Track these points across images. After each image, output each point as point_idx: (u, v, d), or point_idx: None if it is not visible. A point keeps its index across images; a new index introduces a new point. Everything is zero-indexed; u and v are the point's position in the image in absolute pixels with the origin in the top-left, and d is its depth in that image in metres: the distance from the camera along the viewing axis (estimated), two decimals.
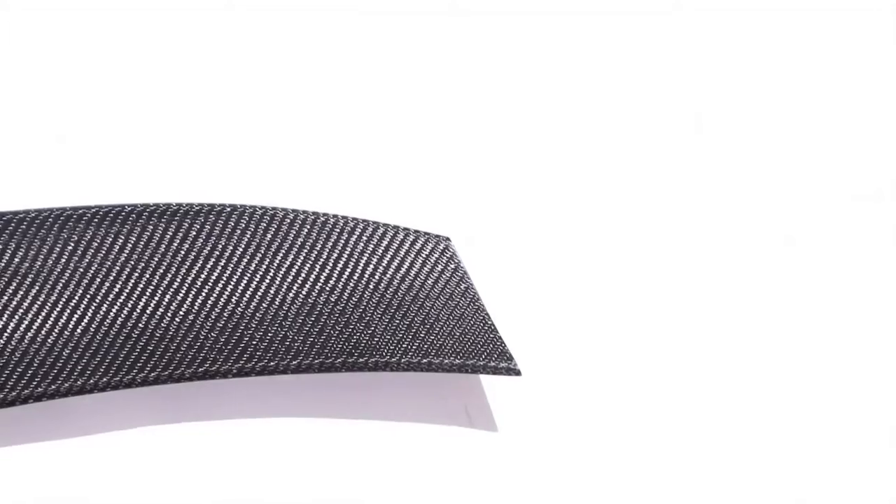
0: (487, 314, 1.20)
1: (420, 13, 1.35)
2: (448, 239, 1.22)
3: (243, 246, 1.17)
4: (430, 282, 1.20)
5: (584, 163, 1.34)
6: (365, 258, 1.19)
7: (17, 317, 1.11)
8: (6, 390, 1.10)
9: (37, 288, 1.12)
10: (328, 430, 1.20)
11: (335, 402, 1.20)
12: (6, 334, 1.10)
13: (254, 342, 1.15)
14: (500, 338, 1.19)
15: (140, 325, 1.13)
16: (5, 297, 1.11)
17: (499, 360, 1.19)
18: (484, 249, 1.27)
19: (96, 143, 1.26)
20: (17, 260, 1.12)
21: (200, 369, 1.14)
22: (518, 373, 1.19)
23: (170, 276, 1.15)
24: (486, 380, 1.24)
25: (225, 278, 1.15)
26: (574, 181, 1.33)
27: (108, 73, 1.27)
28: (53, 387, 1.11)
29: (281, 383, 1.19)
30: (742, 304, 1.33)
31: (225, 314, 1.15)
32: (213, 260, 1.16)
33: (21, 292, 1.11)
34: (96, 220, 1.14)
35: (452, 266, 1.21)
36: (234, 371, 1.15)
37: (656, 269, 1.32)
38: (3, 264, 1.12)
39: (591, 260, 1.31)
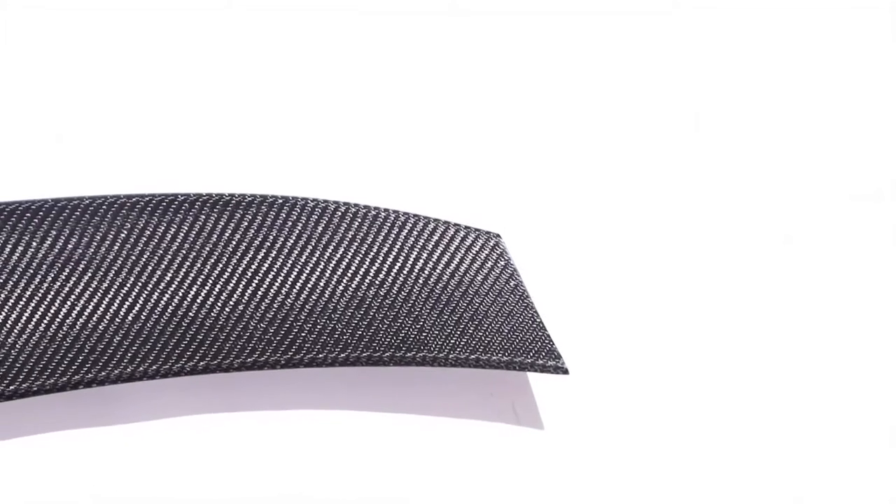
0: (536, 312, 1.19)
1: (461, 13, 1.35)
2: (498, 235, 1.21)
3: (294, 237, 1.17)
4: (479, 278, 1.19)
5: (615, 162, 1.33)
6: (415, 253, 1.19)
7: (69, 303, 1.12)
8: (57, 376, 1.11)
9: (89, 274, 1.13)
10: (374, 424, 1.20)
11: (382, 397, 1.20)
12: (58, 320, 1.11)
13: (302, 334, 1.15)
14: (548, 336, 1.19)
15: (190, 314, 1.14)
16: (58, 283, 1.12)
17: (547, 359, 1.19)
18: (534, 247, 1.27)
19: (146, 131, 1.27)
20: (70, 246, 1.13)
21: (249, 360, 1.14)
22: (566, 371, 1.19)
23: (220, 265, 1.15)
24: (534, 378, 1.23)
25: (275, 269, 1.16)
26: (617, 181, 1.33)
27: (146, 67, 1.28)
28: (104, 373, 1.12)
29: (328, 376, 1.20)
30: (770, 304, 1.31)
31: (274, 305, 1.15)
32: (263, 251, 1.16)
33: (73, 278, 1.12)
34: (149, 208, 1.15)
35: (502, 263, 1.20)
36: (283, 362, 1.15)
37: (704, 268, 1.31)
38: (56, 250, 1.13)
39: (640, 260, 1.30)
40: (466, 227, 1.21)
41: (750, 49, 1.38)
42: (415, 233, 1.19)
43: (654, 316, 1.28)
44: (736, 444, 1.26)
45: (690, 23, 1.38)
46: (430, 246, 1.19)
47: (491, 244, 1.21)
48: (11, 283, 1.11)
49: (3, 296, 1.11)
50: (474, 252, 1.20)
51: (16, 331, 1.11)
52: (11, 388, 1.10)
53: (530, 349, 1.18)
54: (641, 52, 1.37)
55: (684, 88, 1.36)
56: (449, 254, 1.19)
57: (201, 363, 1.13)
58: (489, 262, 1.20)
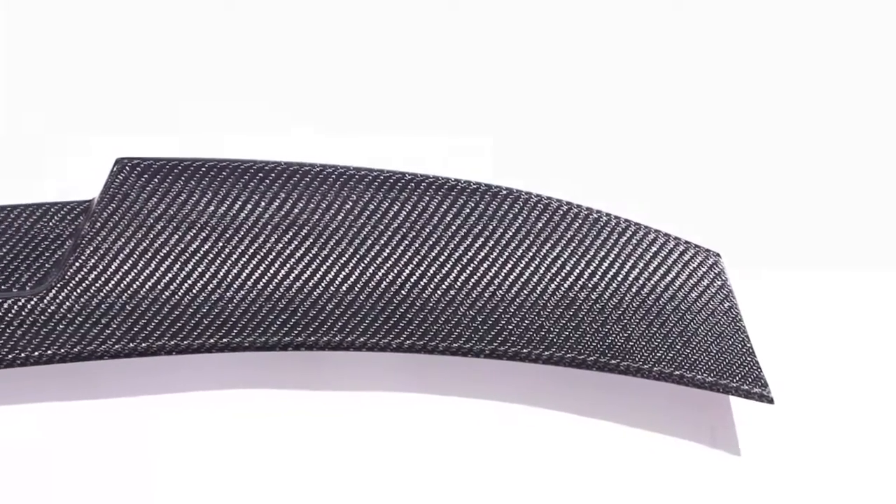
0: (747, 336, 1.17)
1: None
2: (718, 255, 1.19)
3: (513, 230, 1.17)
4: (693, 295, 1.17)
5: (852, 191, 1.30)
6: (632, 261, 1.18)
7: (287, 266, 1.14)
8: (269, 335, 1.13)
9: (310, 241, 1.15)
10: (566, 426, 1.20)
11: (578, 400, 1.20)
12: (276, 281, 1.14)
13: (509, 327, 1.15)
14: (756, 362, 1.16)
15: (403, 292, 1.15)
16: (279, 245, 1.14)
17: (752, 385, 1.16)
18: (753, 270, 1.25)
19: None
20: (295, 210, 1.15)
21: (454, 345, 1.15)
22: (771, 401, 1.16)
23: (438, 248, 1.16)
24: (736, 402, 1.21)
25: (490, 259, 1.16)
26: (849, 213, 1.30)
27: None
28: (312, 338, 1.14)
29: (526, 371, 1.19)
30: None
31: (485, 294, 1.15)
32: (481, 239, 1.17)
33: (295, 243, 1.15)
34: (376, 183, 1.17)
35: (719, 283, 1.18)
36: (486, 352, 1.15)
37: None
38: (282, 213, 1.15)
39: (864, 301, 1.26)
40: (686, 242, 1.19)
41: None
42: (634, 241, 1.18)
43: (871, 356, 1.24)
44: None
45: None
46: (648, 256, 1.18)
47: (710, 262, 1.19)
48: (236, 239, 1.14)
49: (226, 251, 1.14)
50: (692, 268, 1.18)
51: (234, 287, 1.13)
52: (224, 340, 1.13)
53: (737, 373, 1.16)
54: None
55: None
56: (666, 266, 1.18)
57: (407, 341, 1.15)
58: (706, 281, 1.18)
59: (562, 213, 1.18)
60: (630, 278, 1.17)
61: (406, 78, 1.31)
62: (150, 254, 1.13)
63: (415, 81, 1.31)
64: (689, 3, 1.34)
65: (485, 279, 1.16)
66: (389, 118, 1.29)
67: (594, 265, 1.17)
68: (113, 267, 1.13)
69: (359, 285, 1.15)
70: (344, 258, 1.15)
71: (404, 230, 1.16)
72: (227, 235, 1.14)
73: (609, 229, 1.18)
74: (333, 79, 1.30)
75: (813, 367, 1.23)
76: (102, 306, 1.12)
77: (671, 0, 1.34)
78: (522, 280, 1.16)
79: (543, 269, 1.17)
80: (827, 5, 1.35)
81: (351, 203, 1.16)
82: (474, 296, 1.16)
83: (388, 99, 1.30)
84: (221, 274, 1.13)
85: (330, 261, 1.15)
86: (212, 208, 1.14)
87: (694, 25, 1.34)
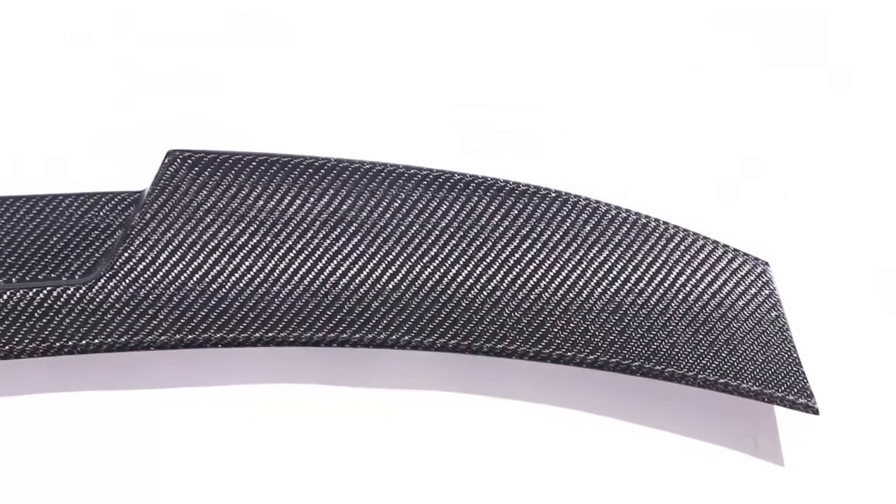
0: (794, 346, 1.16)
1: None
2: (766, 263, 1.19)
3: (561, 233, 1.17)
4: (740, 303, 1.17)
5: None
6: (679, 268, 1.17)
7: (335, 262, 1.15)
8: (314, 330, 1.14)
9: (358, 238, 1.15)
10: (611, 430, 1.19)
11: (622, 405, 1.20)
12: (322, 277, 1.14)
13: (555, 329, 1.15)
14: (802, 372, 1.16)
15: (449, 291, 1.15)
16: (327, 242, 1.15)
17: (798, 395, 1.15)
18: (802, 280, 1.24)
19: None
20: (344, 207, 1.16)
21: (499, 346, 1.15)
22: (816, 412, 1.15)
23: (485, 249, 1.16)
24: (780, 412, 1.20)
25: (537, 261, 1.16)
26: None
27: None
28: (357, 335, 1.14)
29: (570, 374, 1.19)
30: None
31: (531, 296, 1.15)
32: (529, 241, 1.17)
33: (343, 239, 1.15)
34: (425, 182, 1.17)
35: (767, 292, 1.17)
36: (531, 354, 1.15)
37: None
38: (331, 209, 1.15)
39: None
40: (735, 250, 1.18)
41: None
42: (682, 247, 1.18)
43: None
44: None
45: None
46: (696, 263, 1.17)
47: (758, 271, 1.18)
48: (284, 234, 1.14)
49: (274, 246, 1.14)
50: (740, 276, 1.18)
51: (281, 281, 1.14)
52: (270, 335, 1.13)
53: (782, 383, 1.16)
54: None
55: None
56: (713, 274, 1.17)
57: (452, 341, 1.15)
58: (753, 289, 1.17)
59: (610, 217, 1.18)
60: (677, 284, 1.17)
61: (435, 79, 1.31)
62: (198, 246, 1.14)
63: (441, 83, 1.31)
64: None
65: (531, 281, 1.16)
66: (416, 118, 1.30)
67: (641, 270, 1.17)
68: (162, 258, 1.13)
69: (405, 284, 1.15)
70: (391, 256, 1.15)
71: (452, 230, 1.16)
72: (276, 230, 1.15)
73: (657, 235, 1.18)
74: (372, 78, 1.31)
75: (859, 378, 1.22)
76: (150, 297, 1.13)
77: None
78: (569, 283, 1.16)
79: (590, 272, 1.16)
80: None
81: (400, 201, 1.16)
82: (520, 297, 1.15)
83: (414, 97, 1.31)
84: (269, 268, 1.14)
85: (377, 258, 1.15)
86: (261, 202, 1.15)
87: (746, 32, 1.34)
